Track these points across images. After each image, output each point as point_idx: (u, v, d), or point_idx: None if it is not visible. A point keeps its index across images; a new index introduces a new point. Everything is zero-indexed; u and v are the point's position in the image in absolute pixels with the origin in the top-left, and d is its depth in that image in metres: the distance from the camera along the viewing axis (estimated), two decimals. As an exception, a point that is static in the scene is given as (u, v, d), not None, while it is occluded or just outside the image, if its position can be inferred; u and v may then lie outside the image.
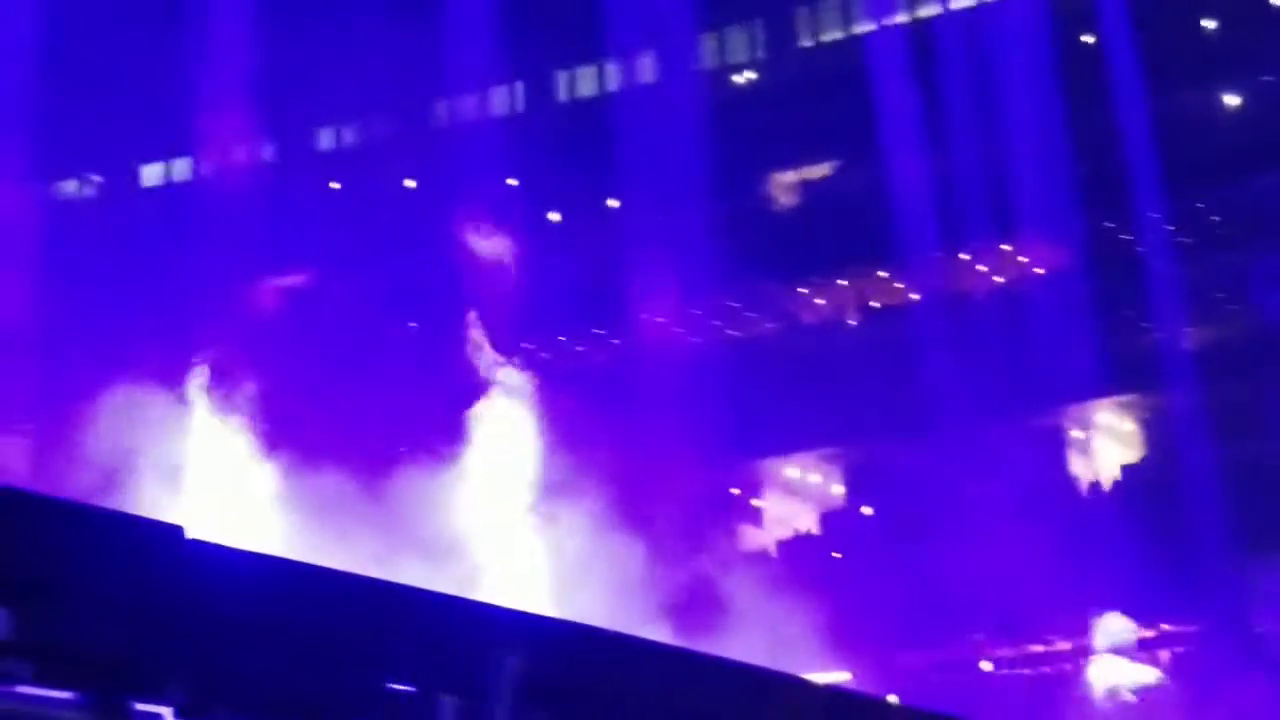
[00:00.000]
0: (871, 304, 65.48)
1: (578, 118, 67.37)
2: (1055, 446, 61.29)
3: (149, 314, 48.49)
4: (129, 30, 57.85)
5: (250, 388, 42.96)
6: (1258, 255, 58.98)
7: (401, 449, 48.47)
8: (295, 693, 18.91)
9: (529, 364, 55.58)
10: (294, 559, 20.56)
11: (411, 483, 48.61)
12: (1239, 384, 57.50)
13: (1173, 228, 60.40)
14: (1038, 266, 62.46)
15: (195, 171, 67.59)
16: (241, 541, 20.50)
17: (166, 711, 18.00)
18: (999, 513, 53.92)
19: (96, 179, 71.99)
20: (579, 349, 64.14)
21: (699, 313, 62.51)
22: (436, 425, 50.94)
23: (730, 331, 64.16)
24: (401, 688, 19.80)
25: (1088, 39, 62.71)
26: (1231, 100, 62.33)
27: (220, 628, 18.08)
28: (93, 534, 17.32)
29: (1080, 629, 55.28)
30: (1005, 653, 56.49)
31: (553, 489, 53.33)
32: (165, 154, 69.68)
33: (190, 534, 18.03)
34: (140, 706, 17.52)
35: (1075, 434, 62.39)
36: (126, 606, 17.27)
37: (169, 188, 70.11)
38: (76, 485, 34.93)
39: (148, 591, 17.47)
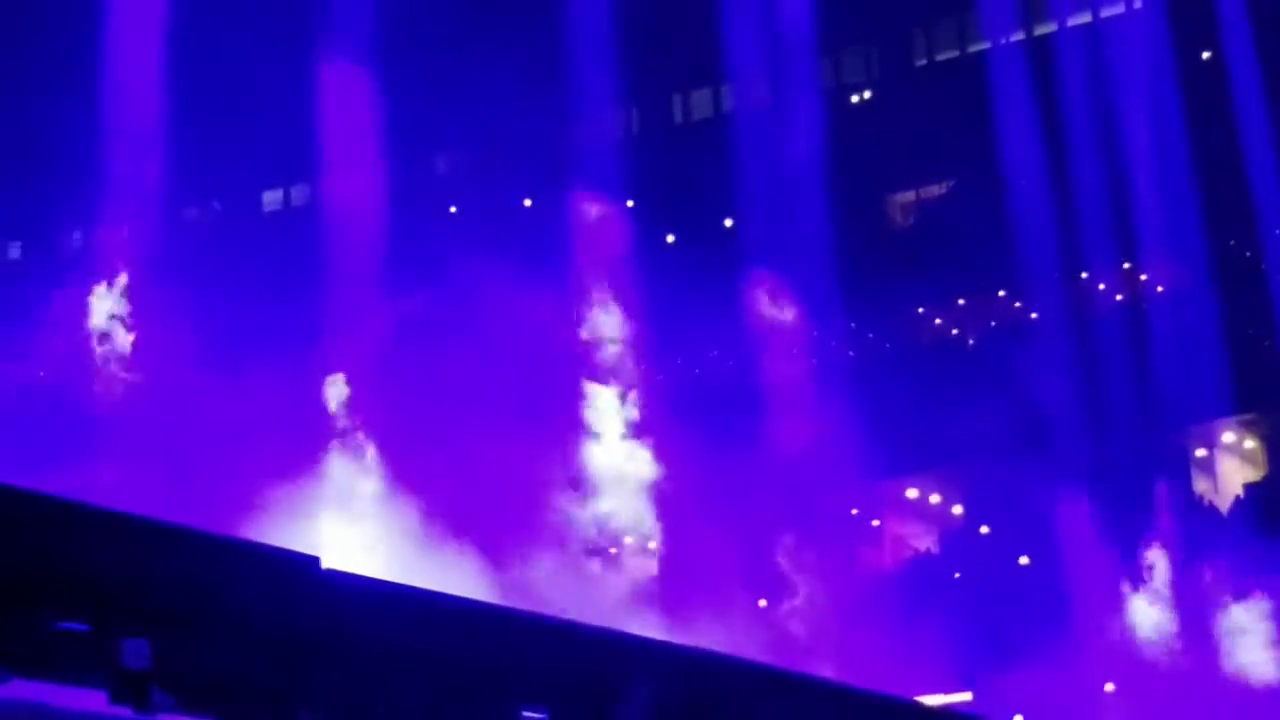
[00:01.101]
0: (991, 323, 65.21)
1: (694, 139, 67.56)
2: (1178, 465, 60.81)
3: (272, 339, 48.90)
4: (247, 58, 58.48)
5: (377, 413, 43.31)
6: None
7: (521, 472, 48.73)
8: (429, 719, 19.07)
9: (647, 386, 55.78)
10: (427, 588, 20.73)
11: (529, 504, 48.87)
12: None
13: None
14: (1159, 285, 62.04)
15: (314, 197, 68.19)
16: (375, 570, 20.70)
17: (303, 739, 18.21)
18: (1118, 531, 53.67)
19: (217, 205, 72.82)
20: (696, 371, 64.18)
21: (817, 333, 62.42)
22: (552, 447, 51.18)
23: (849, 352, 64.06)
24: (534, 715, 19.94)
25: (1207, 54, 62.30)
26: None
27: (355, 656, 18.28)
28: (230, 564, 17.56)
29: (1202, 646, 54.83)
30: (1127, 670, 56.03)
31: (671, 512, 53.44)
32: (285, 180, 70.45)
33: (326, 564, 18.24)
34: (278, 734, 17.75)
35: (1199, 453, 61.91)
36: (263, 635, 17.50)
37: (288, 212, 70.87)
38: (211, 516, 35.27)
39: (284, 621, 17.69)
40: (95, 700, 16.31)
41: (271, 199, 73.08)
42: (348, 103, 58.72)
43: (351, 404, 43.14)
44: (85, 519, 16.64)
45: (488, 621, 20.50)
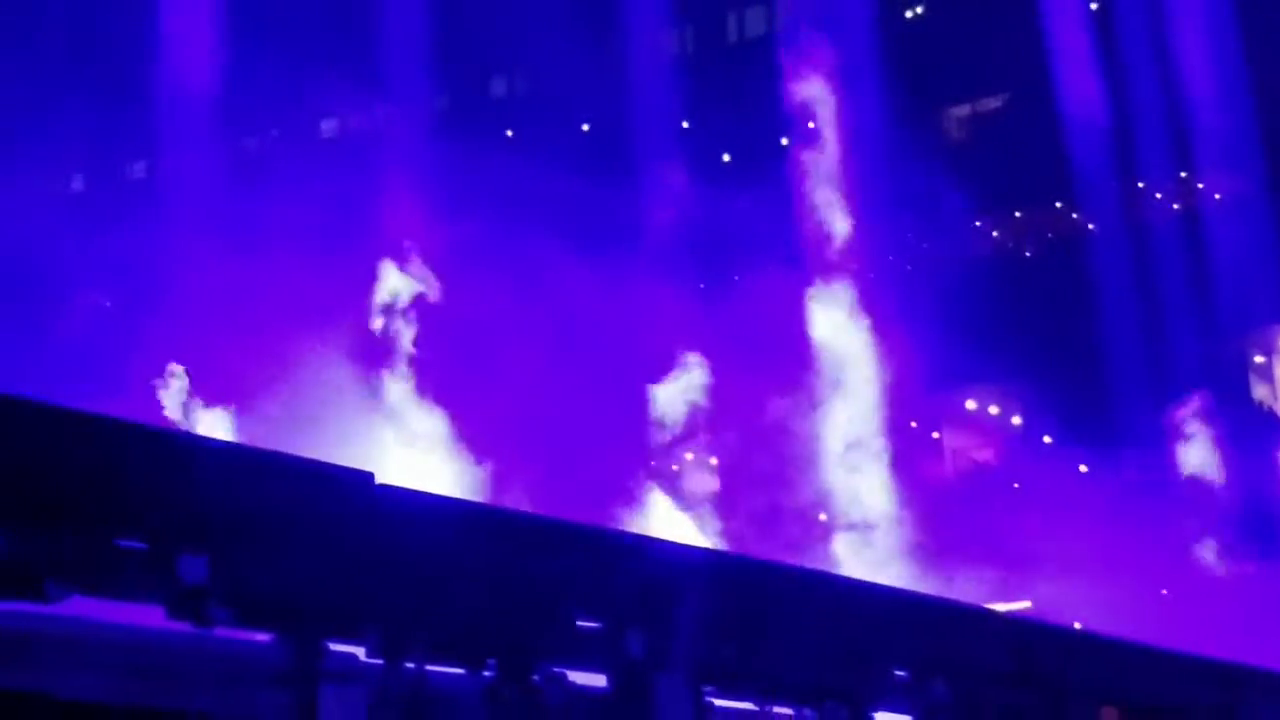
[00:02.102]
0: (1048, 235, 65.05)
1: (748, 58, 67.30)
2: (1237, 371, 60.74)
3: (330, 265, 49.23)
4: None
5: (431, 334, 43.59)
6: None
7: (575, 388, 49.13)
8: (485, 632, 19.35)
9: (705, 300, 56.05)
10: (480, 502, 20.98)
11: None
12: None
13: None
14: (1217, 193, 61.75)
15: (370, 124, 68.28)
16: (429, 485, 20.97)
17: (359, 652, 18.54)
18: (1177, 438, 53.82)
19: (275, 133, 72.95)
20: (754, 287, 64.18)
21: (873, 247, 62.38)
22: (608, 362, 51.51)
23: (906, 266, 63.99)
24: (589, 625, 20.18)
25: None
26: None
27: (411, 570, 18.55)
28: (285, 481, 17.81)
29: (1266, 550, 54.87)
30: (1185, 577, 56.09)
31: (729, 428, 53.73)
32: (340, 108, 70.49)
33: (380, 479, 18.49)
34: (335, 647, 18.06)
35: (1257, 359, 61.79)
36: (319, 551, 17.77)
37: (344, 140, 70.93)
38: (267, 434, 35.65)
39: (340, 536, 17.96)
40: (154, 616, 16.67)
41: (329, 127, 73.18)
42: (403, 30, 58.87)
43: (406, 328, 43.42)
44: (142, 438, 16.96)
45: (541, 533, 20.73)
